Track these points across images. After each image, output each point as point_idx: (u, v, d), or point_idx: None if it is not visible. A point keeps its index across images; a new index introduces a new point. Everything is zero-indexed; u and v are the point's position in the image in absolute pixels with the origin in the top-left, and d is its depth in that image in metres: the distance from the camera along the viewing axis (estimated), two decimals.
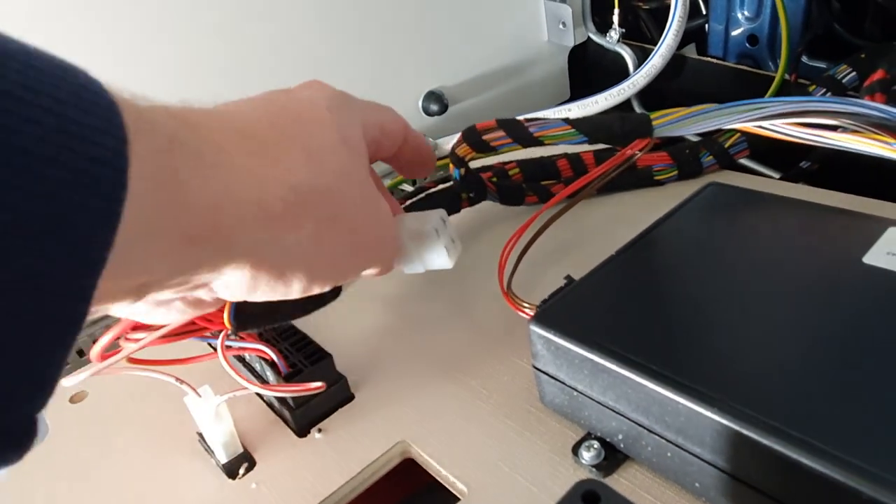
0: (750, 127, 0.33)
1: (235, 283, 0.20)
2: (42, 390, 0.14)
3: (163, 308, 0.22)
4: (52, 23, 0.41)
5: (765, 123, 0.32)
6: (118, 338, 0.26)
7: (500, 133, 0.37)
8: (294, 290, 0.21)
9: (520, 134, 0.37)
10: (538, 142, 0.37)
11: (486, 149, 0.38)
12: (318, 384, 0.28)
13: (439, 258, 0.28)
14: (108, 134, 0.13)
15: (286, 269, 0.20)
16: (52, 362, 0.14)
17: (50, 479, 0.32)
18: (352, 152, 0.22)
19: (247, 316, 0.25)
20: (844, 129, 0.31)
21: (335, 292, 0.27)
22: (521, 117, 0.41)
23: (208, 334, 0.27)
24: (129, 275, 0.16)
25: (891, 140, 0.30)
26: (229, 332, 0.26)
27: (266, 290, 0.21)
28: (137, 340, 0.26)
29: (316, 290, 0.22)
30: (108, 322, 0.41)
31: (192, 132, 0.17)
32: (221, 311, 0.25)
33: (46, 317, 0.13)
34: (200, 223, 0.16)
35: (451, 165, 0.40)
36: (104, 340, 0.26)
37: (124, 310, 0.21)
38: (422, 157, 0.30)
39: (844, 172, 0.44)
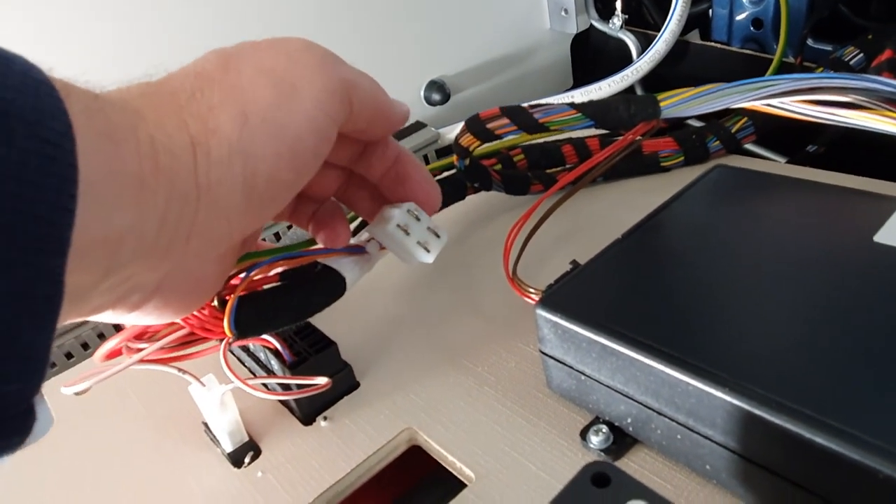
0: (759, 105, 0.32)
1: (225, 206, 0.19)
2: (31, 372, 0.14)
3: (156, 299, 0.21)
4: (50, 12, 0.41)
5: (774, 101, 0.32)
6: (123, 343, 0.26)
7: (505, 121, 0.37)
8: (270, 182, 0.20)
9: (524, 121, 0.36)
10: (543, 128, 0.36)
11: (490, 137, 0.37)
12: (324, 381, 0.28)
13: (414, 254, 0.26)
14: (56, 119, 0.14)
15: (249, 181, 0.19)
16: (35, 344, 0.14)
17: (56, 471, 0.32)
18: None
19: (247, 323, 0.25)
20: (855, 106, 0.30)
21: (340, 290, 0.27)
22: (525, 104, 0.41)
23: (209, 344, 0.27)
24: (93, 236, 0.15)
25: None
26: (230, 340, 0.25)
27: (252, 207, 0.20)
28: (139, 350, 0.25)
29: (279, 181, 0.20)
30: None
31: (116, 90, 0.18)
32: (221, 319, 0.24)
33: (21, 297, 0.13)
34: (140, 164, 0.16)
35: (455, 157, 0.39)
36: (110, 344, 0.26)
37: (109, 306, 0.20)
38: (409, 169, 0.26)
39: (850, 155, 0.43)
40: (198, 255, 0.19)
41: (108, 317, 0.20)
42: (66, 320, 0.15)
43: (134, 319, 0.21)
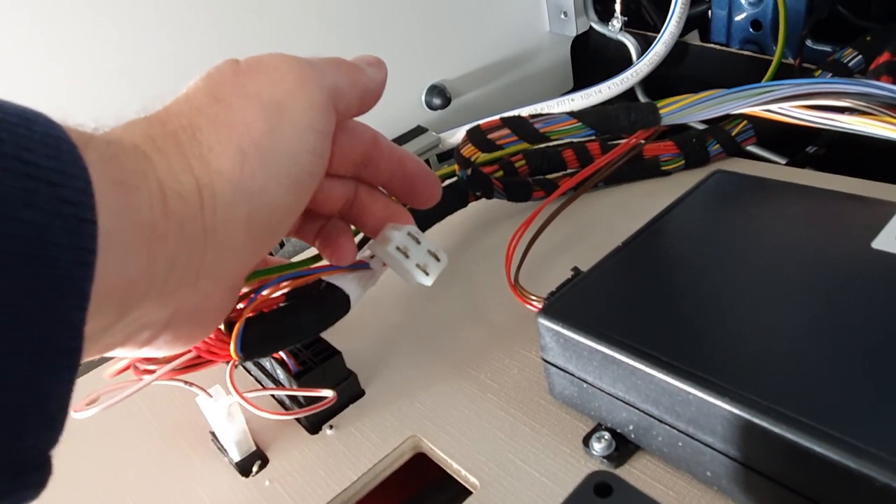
0: (758, 111, 0.33)
1: (233, 243, 0.19)
2: (50, 426, 0.14)
3: (166, 334, 0.21)
4: (49, 19, 0.41)
5: (773, 107, 0.32)
6: (132, 362, 0.26)
7: (506, 131, 0.37)
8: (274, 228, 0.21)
9: (525, 131, 0.36)
10: (544, 138, 0.36)
11: (491, 148, 0.37)
12: (330, 394, 0.29)
13: (413, 276, 0.27)
14: (75, 176, 0.14)
15: (253, 218, 0.19)
16: (55, 397, 0.14)
17: (66, 482, 0.32)
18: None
19: (253, 346, 0.25)
20: (853, 111, 0.31)
21: (344, 308, 0.27)
22: (524, 112, 0.41)
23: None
24: (108, 284, 0.15)
25: None
26: (237, 362, 0.25)
27: (254, 239, 0.20)
28: (150, 372, 0.26)
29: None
30: None
31: (123, 131, 0.18)
32: (227, 343, 0.24)
33: (42, 352, 0.13)
34: (152, 210, 0.17)
35: (456, 167, 0.39)
36: (120, 364, 0.26)
37: (119, 344, 0.20)
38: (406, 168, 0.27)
39: (851, 156, 0.44)
40: (207, 291, 0.20)
41: (118, 352, 0.20)
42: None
43: (145, 353, 0.21)
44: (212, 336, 0.24)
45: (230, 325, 0.24)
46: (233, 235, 0.19)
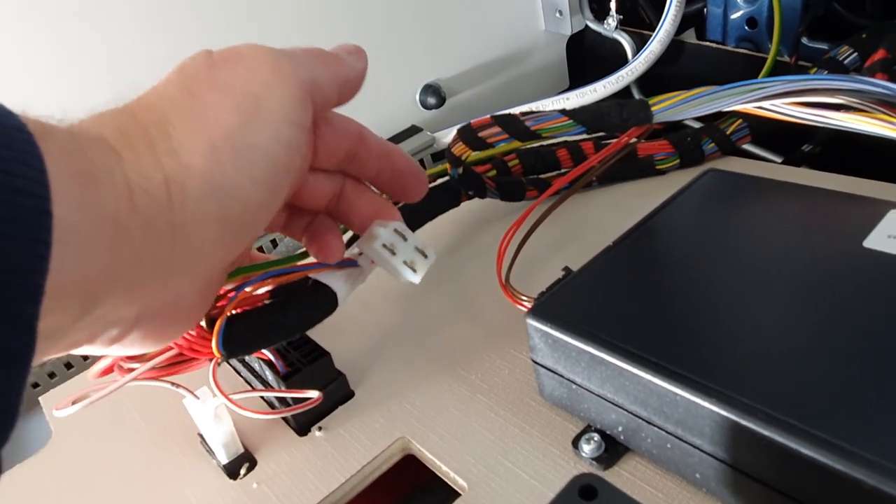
0: (751, 108, 0.32)
1: (201, 242, 0.19)
2: (1, 423, 0.13)
3: (136, 332, 0.21)
4: (36, 18, 0.41)
5: (766, 104, 0.32)
6: (115, 362, 0.26)
7: (497, 129, 0.37)
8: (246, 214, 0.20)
9: (516, 129, 0.36)
10: (536, 135, 0.36)
11: (482, 146, 0.37)
12: (316, 394, 0.28)
13: (401, 274, 0.26)
14: (30, 166, 0.14)
15: (226, 215, 0.19)
16: (6, 394, 0.13)
17: (52, 482, 0.32)
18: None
19: (236, 344, 0.24)
20: (847, 109, 0.30)
21: (331, 306, 0.27)
22: (516, 110, 0.41)
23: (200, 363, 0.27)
24: (69, 279, 0.15)
25: (894, 118, 0.29)
26: (220, 360, 0.25)
27: (226, 240, 0.20)
28: (131, 370, 0.25)
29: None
30: None
31: (91, 123, 0.18)
32: (209, 340, 0.24)
33: None
34: (117, 205, 0.16)
35: (448, 165, 0.39)
36: (104, 363, 0.26)
37: (85, 341, 0.20)
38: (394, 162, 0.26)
39: (847, 155, 0.43)
40: (177, 289, 0.19)
41: (86, 350, 0.20)
42: (40, 360, 0.15)
43: (115, 351, 0.21)
44: (193, 333, 0.24)
45: (212, 322, 0.24)
46: (203, 232, 0.18)
